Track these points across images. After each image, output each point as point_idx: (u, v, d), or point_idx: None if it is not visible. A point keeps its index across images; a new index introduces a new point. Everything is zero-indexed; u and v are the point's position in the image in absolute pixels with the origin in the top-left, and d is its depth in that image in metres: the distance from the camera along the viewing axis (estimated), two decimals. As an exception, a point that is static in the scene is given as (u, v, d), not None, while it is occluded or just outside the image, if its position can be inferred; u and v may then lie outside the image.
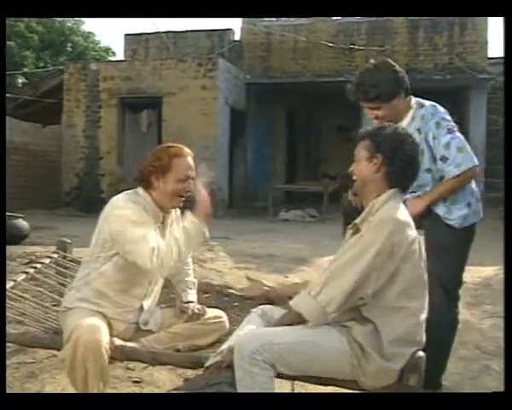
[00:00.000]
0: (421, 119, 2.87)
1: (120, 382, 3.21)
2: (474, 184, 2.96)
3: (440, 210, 2.90)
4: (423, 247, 2.32)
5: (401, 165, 2.26)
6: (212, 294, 3.55)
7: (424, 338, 2.26)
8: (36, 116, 13.98)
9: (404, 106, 2.92)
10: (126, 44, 16.49)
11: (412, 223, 2.23)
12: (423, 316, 2.25)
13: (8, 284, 3.30)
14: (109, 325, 2.58)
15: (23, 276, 3.26)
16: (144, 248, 2.42)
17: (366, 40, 14.65)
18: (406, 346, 2.18)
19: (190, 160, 2.68)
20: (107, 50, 29.00)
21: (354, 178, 2.35)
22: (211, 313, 2.89)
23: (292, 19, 15.25)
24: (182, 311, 2.84)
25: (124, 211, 2.55)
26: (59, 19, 27.53)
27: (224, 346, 2.36)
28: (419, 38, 14.42)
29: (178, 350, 2.69)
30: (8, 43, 24.33)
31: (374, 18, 14.32)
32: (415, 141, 2.34)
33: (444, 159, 2.81)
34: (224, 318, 2.90)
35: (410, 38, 14.48)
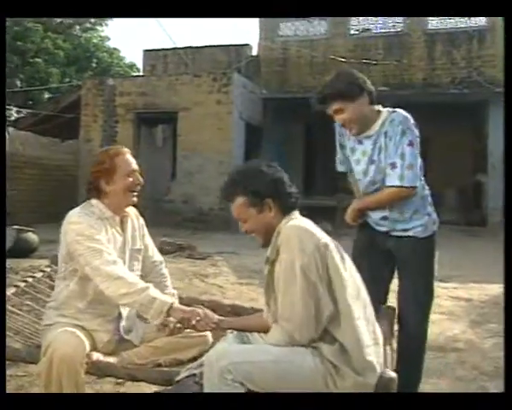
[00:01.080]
0: (391, 122, 2.85)
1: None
2: (429, 195, 3.01)
3: (399, 225, 2.94)
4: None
5: (286, 193, 2.28)
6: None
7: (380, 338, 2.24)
8: (55, 131, 14.22)
9: (371, 112, 2.88)
10: (145, 60, 16.71)
11: (317, 229, 2.20)
12: (373, 313, 2.23)
13: (11, 291, 3.33)
14: (91, 338, 2.58)
15: (13, 290, 3.23)
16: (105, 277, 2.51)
17: (383, 55, 14.58)
18: (372, 354, 2.13)
19: (130, 156, 2.77)
20: (132, 66, 29.37)
21: (253, 235, 2.33)
22: None
23: (309, 34, 15.28)
24: (163, 324, 2.83)
25: (77, 226, 2.59)
26: (84, 35, 28.07)
27: (196, 363, 2.33)
28: (436, 52, 14.30)
29: (159, 365, 2.66)
30: (36, 59, 24.90)
31: (391, 32, 14.25)
32: (269, 165, 2.33)
33: (393, 166, 2.81)
34: (207, 334, 2.85)
35: (427, 52, 14.37)
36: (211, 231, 12.12)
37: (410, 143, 2.81)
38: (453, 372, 3.87)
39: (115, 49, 29.29)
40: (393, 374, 2.15)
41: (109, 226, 2.70)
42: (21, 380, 3.40)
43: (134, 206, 2.86)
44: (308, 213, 2.39)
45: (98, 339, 2.63)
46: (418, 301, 2.95)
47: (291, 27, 15.51)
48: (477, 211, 14.08)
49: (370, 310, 2.25)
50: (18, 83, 26.20)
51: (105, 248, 2.56)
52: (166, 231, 11.44)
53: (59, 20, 28.16)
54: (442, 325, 5.07)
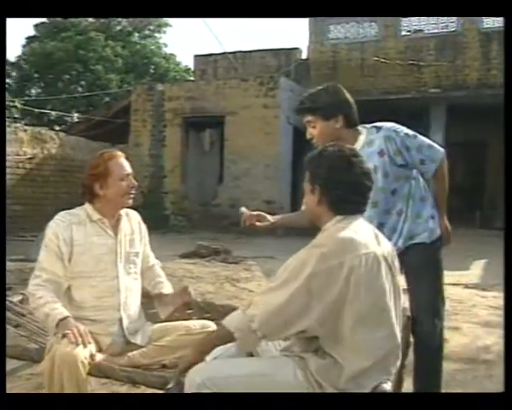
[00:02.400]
0: (387, 140, 2.80)
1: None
2: (431, 197, 2.99)
3: (405, 232, 2.90)
4: (390, 266, 2.12)
5: (340, 193, 2.10)
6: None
7: (395, 366, 2.10)
8: (107, 136, 14.56)
9: (347, 134, 2.83)
10: (196, 65, 16.91)
11: (366, 243, 2.03)
12: (394, 343, 2.05)
13: (17, 298, 3.42)
14: (96, 342, 2.58)
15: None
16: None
17: (435, 55, 14.17)
18: (373, 378, 2.01)
19: (124, 159, 2.76)
20: (188, 70, 29.78)
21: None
22: (197, 323, 2.84)
23: (359, 36, 15.04)
24: (179, 295, 2.88)
25: (47, 231, 2.66)
26: (143, 42, 28.74)
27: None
28: (492, 52, 13.76)
29: (165, 365, 2.65)
30: (97, 67, 25.71)
31: (443, 32, 13.83)
32: (357, 163, 2.14)
33: (422, 162, 2.84)
34: (212, 328, 2.81)
35: (482, 51, 13.86)
36: (256, 236, 12.08)
37: (414, 137, 2.84)
38: (480, 385, 3.68)
39: (172, 54, 29.84)
40: (387, 388, 2.04)
41: (94, 230, 2.70)
42: (42, 378, 3.45)
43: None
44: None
45: (102, 342, 2.64)
46: (431, 309, 2.89)
47: (341, 30, 15.30)
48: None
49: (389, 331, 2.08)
50: (79, 89, 27.09)
51: (45, 260, 2.61)
52: (212, 234, 11.52)
53: (118, 27, 28.99)
54: (475, 335, 4.86)
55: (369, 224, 2.22)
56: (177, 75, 28.23)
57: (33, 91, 27.70)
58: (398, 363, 2.12)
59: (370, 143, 2.83)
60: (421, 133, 2.94)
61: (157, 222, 13.14)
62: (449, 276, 7.79)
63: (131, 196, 2.76)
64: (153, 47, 29.08)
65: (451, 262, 8.58)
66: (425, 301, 2.87)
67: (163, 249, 9.39)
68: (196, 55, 16.84)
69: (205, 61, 16.76)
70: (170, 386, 2.20)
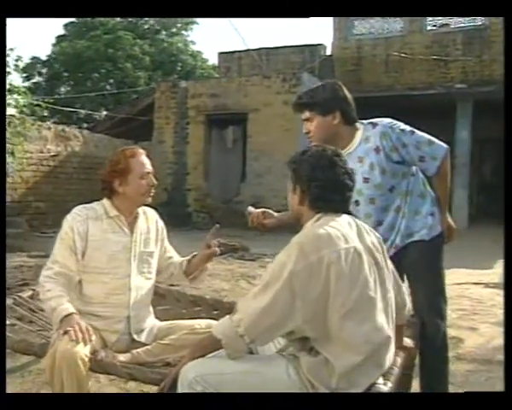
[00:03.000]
0: (383, 137, 2.77)
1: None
2: (433, 194, 2.93)
3: (403, 229, 2.86)
4: (367, 259, 2.10)
5: (321, 191, 2.12)
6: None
7: (388, 361, 2.09)
8: (131, 134, 14.68)
9: (344, 131, 2.83)
10: (220, 62, 16.94)
11: (346, 237, 2.03)
12: (383, 335, 2.04)
13: (27, 293, 3.47)
14: (101, 337, 2.63)
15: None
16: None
17: (462, 50, 13.92)
18: (366, 374, 2.01)
19: (145, 157, 2.74)
20: (215, 68, 29.86)
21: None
22: (203, 322, 2.84)
23: (384, 31, 14.84)
24: (207, 246, 2.86)
25: (63, 224, 2.67)
26: (170, 40, 28.88)
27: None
28: (521, 47, 13.40)
29: (168, 364, 2.65)
30: (126, 65, 25.94)
31: (470, 26, 13.56)
32: (339, 162, 2.16)
33: (422, 159, 2.78)
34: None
35: (510, 46, 13.50)
36: (278, 233, 12.03)
37: (412, 133, 2.78)
38: (493, 387, 3.57)
39: (198, 51, 29.92)
40: (385, 388, 2.04)
41: (110, 226, 2.70)
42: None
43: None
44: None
45: (107, 339, 2.66)
46: (434, 308, 2.86)
47: (365, 25, 15.13)
48: None
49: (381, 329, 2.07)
50: (108, 87, 27.39)
51: (58, 253, 2.62)
52: (235, 232, 11.51)
53: (146, 26, 29.22)
54: (492, 335, 4.74)
55: (356, 220, 2.21)
56: (204, 73, 28.29)
57: (63, 89, 28.09)
58: (391, 356, 2.10)
59: (367, 139, 2.81)
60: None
61: (180, 219, 13.22)
62: (470, 275, 7.64)
63: (151, 194, 2.74)
64: (180, 45, 29.19)
65: (475, 261, 8.43)
66: (426, 299, 2.83)
67: (183, 246, 9.46)
68: (220, 53, 16.86)
69: (229, 58, 16.78)
70: (163, 385, 2.19)
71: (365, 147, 2.79)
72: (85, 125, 20.99)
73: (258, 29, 57.28)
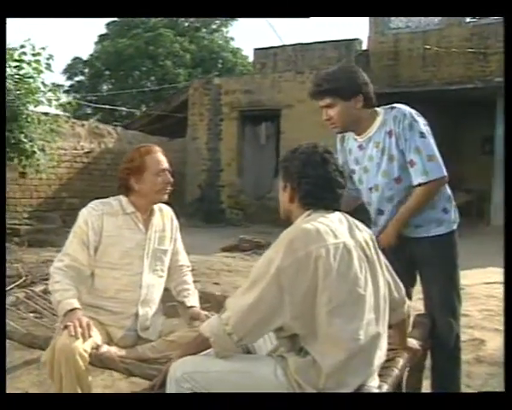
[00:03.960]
0: (394, 120, 2.72)
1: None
2: (449, 190, 2.83)
3: (413, 225, 2.78)
4: (356, 254, 2.06)
5: (311, 188, 2.10)
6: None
7: (378, 359, 2.06)
8: (166, 131, 14.84)
9: (365, 114, 2.76)
10: (256, 58, 16.91)
11: (335, 233, 2.01)
12: (372, 333, 2.01)
13: (39, 288, 3.55)
14: (107, 332, 2.66)
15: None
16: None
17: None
18: (354, 373, 1.98)
19: (161, 155, 2.74)
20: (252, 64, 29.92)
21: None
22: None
23: (421, 25, 14.52)
24: (193, 318, 2.82)
25: (79, 217, 2.68)
26: (210, 37, 29.04)
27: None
28: None
29: (170, 360, 2.67)
30: (166, 62, 26.23)
31: None
32: (330, 160, 2.14)
33: (412, 163, 2.68)
34: None
35: (553, 37, 13.01)
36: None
37: (422, 135, 2.68)
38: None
39: (238, 48, 29.99)
40: (374, 389, 2.01)
41: (125, 223, 2.72)
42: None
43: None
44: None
45: (113, 334, 2.69)
46: (447, 306, 2.80)
47: (402, 19, 14.80)
48: None
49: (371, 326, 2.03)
50: (148, 84, 27.75)
51: (70, 246, 2.62)
52: (268, 228, 11.48)
53: (186, 23, 29.45)
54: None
55: (348, 216, 2.17)
56: (244, 70, 28.36)
57: (105, 87, 28.62)
58: (382, 354, 2.07)
59: (384, 123, 2.75)
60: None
61: (214, 216, 13.29)
62: (498, 273, 7.40)
63: (167, 191, 2.75)
64: (220, 42, 29.34)
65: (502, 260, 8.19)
66: (439, 298, 2.78)
67: (215, 243, 9.48)
68: (256, 49, 16.84)
69: (264, 54, 16.72)
70: (154, 382, 2.20)
71: (382, 131, 2.74)
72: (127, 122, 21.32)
73: (294, 25, 56.92)
